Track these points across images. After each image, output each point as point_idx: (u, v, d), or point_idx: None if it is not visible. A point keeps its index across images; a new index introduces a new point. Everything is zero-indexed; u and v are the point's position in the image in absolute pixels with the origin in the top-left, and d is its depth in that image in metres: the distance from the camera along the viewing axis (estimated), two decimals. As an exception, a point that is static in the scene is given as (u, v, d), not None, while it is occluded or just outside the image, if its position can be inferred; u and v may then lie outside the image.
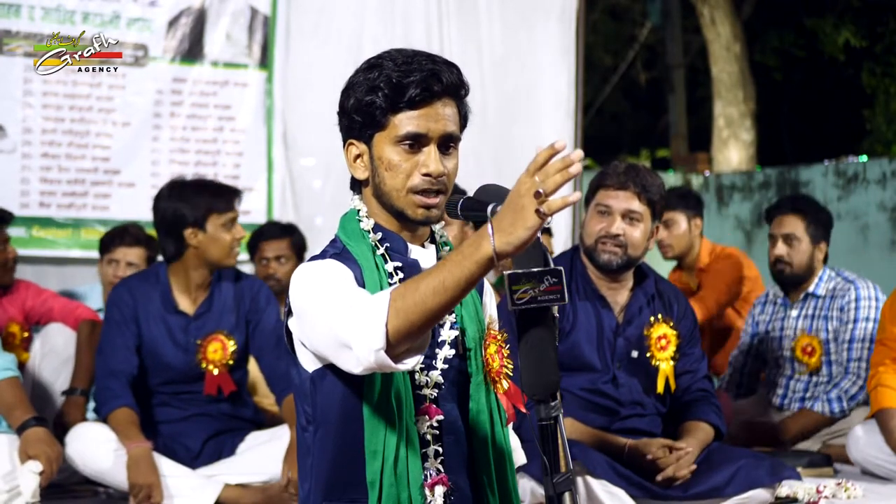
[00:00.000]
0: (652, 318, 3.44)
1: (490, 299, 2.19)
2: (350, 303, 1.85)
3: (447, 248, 2.13)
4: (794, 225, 4.50)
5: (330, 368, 1.98)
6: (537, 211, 1.66)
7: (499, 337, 2.06)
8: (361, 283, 1.97)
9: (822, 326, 4.52)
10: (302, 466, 2.08)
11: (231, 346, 3.75)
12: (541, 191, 1.65)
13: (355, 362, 1.83)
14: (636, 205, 3.36)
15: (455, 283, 1.74)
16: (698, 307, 4.78)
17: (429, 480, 1.98)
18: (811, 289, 4.54)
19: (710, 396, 3.52)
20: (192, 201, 3.70)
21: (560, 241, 5.87)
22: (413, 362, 1.83)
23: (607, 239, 3.37)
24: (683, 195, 5.42)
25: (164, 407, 3.77)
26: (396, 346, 1.79)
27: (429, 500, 1.98)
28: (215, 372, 3.73)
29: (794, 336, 4.55)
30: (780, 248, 4.52)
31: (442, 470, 1.99)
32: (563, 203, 1.66)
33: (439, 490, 1.98)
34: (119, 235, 4.44)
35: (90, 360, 3.93)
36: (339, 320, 1.85)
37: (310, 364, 2.01)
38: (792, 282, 4.56)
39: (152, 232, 4.57)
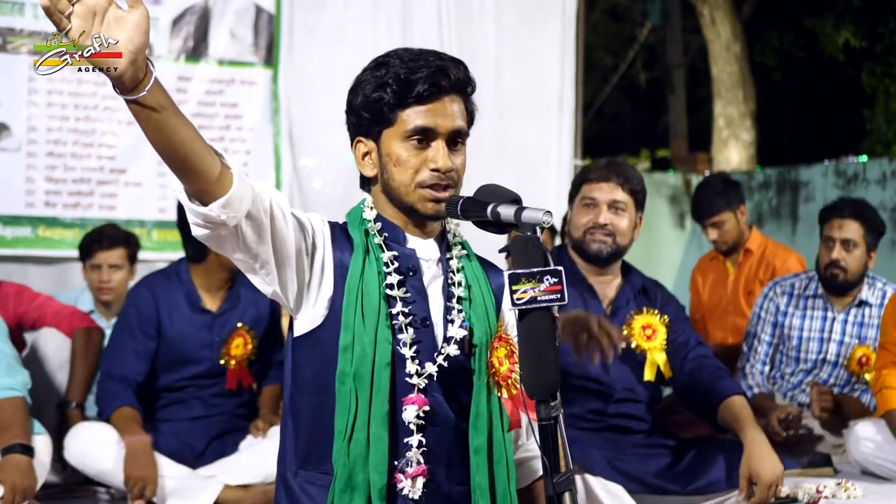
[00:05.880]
0: (634, 311, 3.48)
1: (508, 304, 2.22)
2: None
3: (459, 246, 2.15)
4: (855, 230, 4.43)
5: (307, 339, 2.03)
6: None
7: (511, 341, 2.06)
8: (346, 265, 2.03)
9: (874, 336, 4.48)
10: (283, 430, 2.12)
11: (252, 341, 3.82)
12: None
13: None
14: (620, 195, 3.42)
15: None
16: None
17: (410, 470, 2.00)
18: (862, 296, 4.52)
19: (718, 367, 3.50)
20: None
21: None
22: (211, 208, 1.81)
23: (596, 229, 3.42)
24: (723, 191, 5.23)
25: (173, 406, 3.79)
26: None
27: (406, 490, 2.00)
28: (234, 365, 3.80)
29: (842, 341, 4.52)
30: (839, 252, 4.43)
31: (422, 461, 2.01)
32: None
33: (420, 482, 2.00)
34: (97, 240, 4.41)
35: (86, 372, 3.90)
36: None
37: (294, 331, 2.06)
38: (841, 287, 4.50)
39: (171, 233, 4.57)
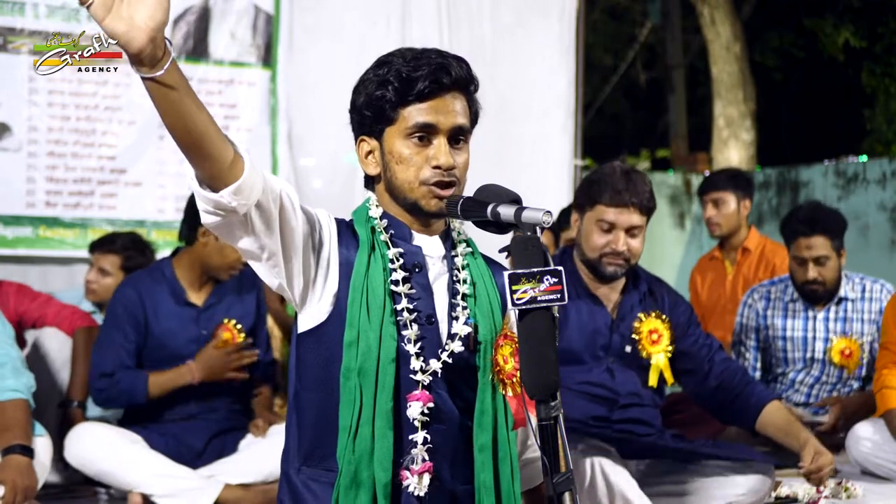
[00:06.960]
0: (641, 315, 3.48)
1: None
2: None
3: (464, 244, 2.15)
4: (823, 245, 4.42)
5: (312, 335, 2.04)
6: None
7: (516, 339, 2.03)
8: (351, 262, 2.03)
9: (858, 329, 4.53)
10: (288, 426, 2.12)
11: (240, 336, 3.82)
12: None
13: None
14: (637, 219, 3.39)
15: None
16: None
17: (415, 467, 2.00)
18: (840, 293, 4.54)
19: (744, 371, 3.58)
20: None
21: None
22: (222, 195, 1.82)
23: (612, 255, 3.40)
24: (733, 176, 5.34)
25: (166, 405, 3.78)
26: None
27: (412, 487, 1.99)
28: None
29: (827, 338, 4.55)
30: (814, 272, 4.44)
31: (427, 458, 2.01)
32: None
33: (426, 478, 2.00)
34: (105, 241, 4.47)
35: (87, 371, 3.90)
36: None
37: (299, 327, 2.06)
38: (823, 297, 4.53)
39: (170, 233, 4.56)
